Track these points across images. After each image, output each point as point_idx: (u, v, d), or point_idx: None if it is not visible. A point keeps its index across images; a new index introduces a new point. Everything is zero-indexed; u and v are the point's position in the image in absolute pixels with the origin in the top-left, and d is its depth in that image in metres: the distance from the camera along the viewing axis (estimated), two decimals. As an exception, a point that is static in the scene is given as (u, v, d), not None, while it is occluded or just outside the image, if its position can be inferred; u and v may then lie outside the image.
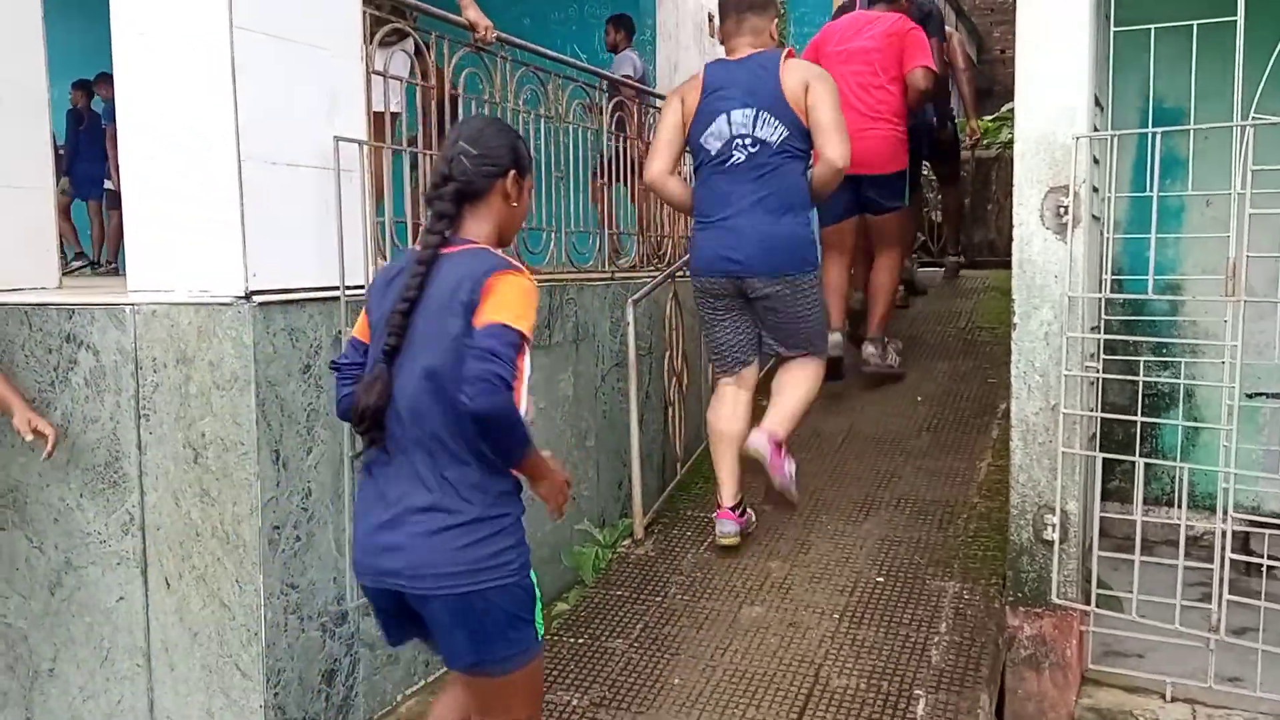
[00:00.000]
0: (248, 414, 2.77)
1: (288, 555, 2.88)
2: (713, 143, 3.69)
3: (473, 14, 3.85)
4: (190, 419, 2.84)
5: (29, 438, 2.82)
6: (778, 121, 3.60)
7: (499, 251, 2.20)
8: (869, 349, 4.90)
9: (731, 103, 3.64)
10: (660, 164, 3.79)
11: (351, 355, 2.24)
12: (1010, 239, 3.23)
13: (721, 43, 3.92)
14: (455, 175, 2.16)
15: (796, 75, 3.62)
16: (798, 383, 3.80)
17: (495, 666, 2.14)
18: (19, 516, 3.09)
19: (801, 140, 3.64)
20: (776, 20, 3.95)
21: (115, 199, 7.43)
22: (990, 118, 8.69)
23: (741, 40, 3.75)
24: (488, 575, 2.08)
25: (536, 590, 2.21)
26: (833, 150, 3.58)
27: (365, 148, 3.15)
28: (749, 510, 3.96)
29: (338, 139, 3.01)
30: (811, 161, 3.71)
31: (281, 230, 2.89)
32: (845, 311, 4.97)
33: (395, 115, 3.71)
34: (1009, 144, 7.66)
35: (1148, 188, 3.16)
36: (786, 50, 3.75)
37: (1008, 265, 3.27)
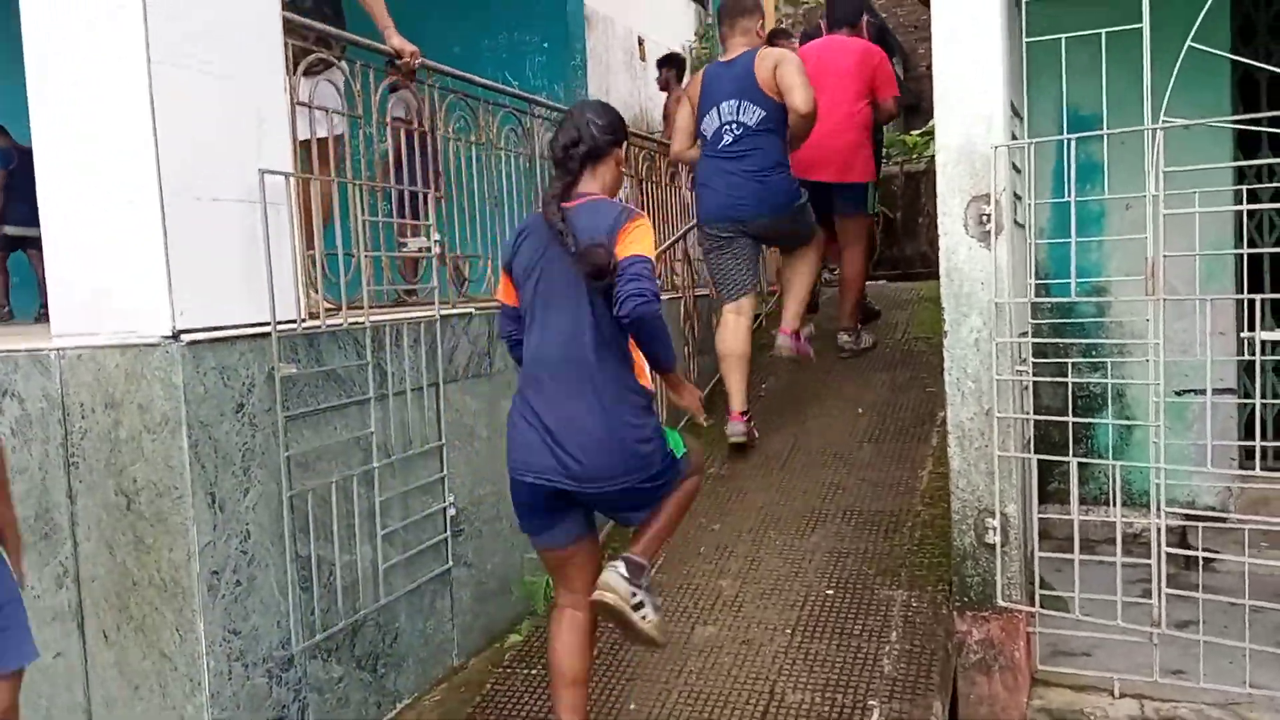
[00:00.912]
0: (180, 456, 2.70)
1: (228, 601, 2.81)
2: (709, 128, 4.69)
3: (397, 41, 3.82)
4: (121, 465, 2.77)
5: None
6: (755, 107, 4.54)
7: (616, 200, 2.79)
8: (843, 337, 5.67)
9: (720, 97, 4.62)
10: (681, 143, 4.89)
11: (511, 322, 2.82)
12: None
13: (721, 44, 4.82)
14: (585, 139, 2.72)
15: (767, 64, 4.54)
16: (799, 274, 4.84)
17: (666, 498, 2.79)
18: (-57, 575, 2.98)
19: (776, 116, 4.56)
20: (762, 20, 4.83)
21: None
22: (918, 132, 8.88)
23: (735, 41, 4.69)
24: (652, 468, 2.69)
25: (667, 433, 2.78)
26: (797, 99, 4.48)
27: (293, 179, 3.11)
28: (752, 421, 4.80)
29: (263, 172, 2.97)
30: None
31: (209, 267, 2.84)
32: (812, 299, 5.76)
33: (339, 138, 3.65)
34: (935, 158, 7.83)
35: (1067, 193, 3.24)
36: (761, 49, 4.64)
37: (938, 276, 3.33)
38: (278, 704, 2.97)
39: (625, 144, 2.85)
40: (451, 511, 3.74)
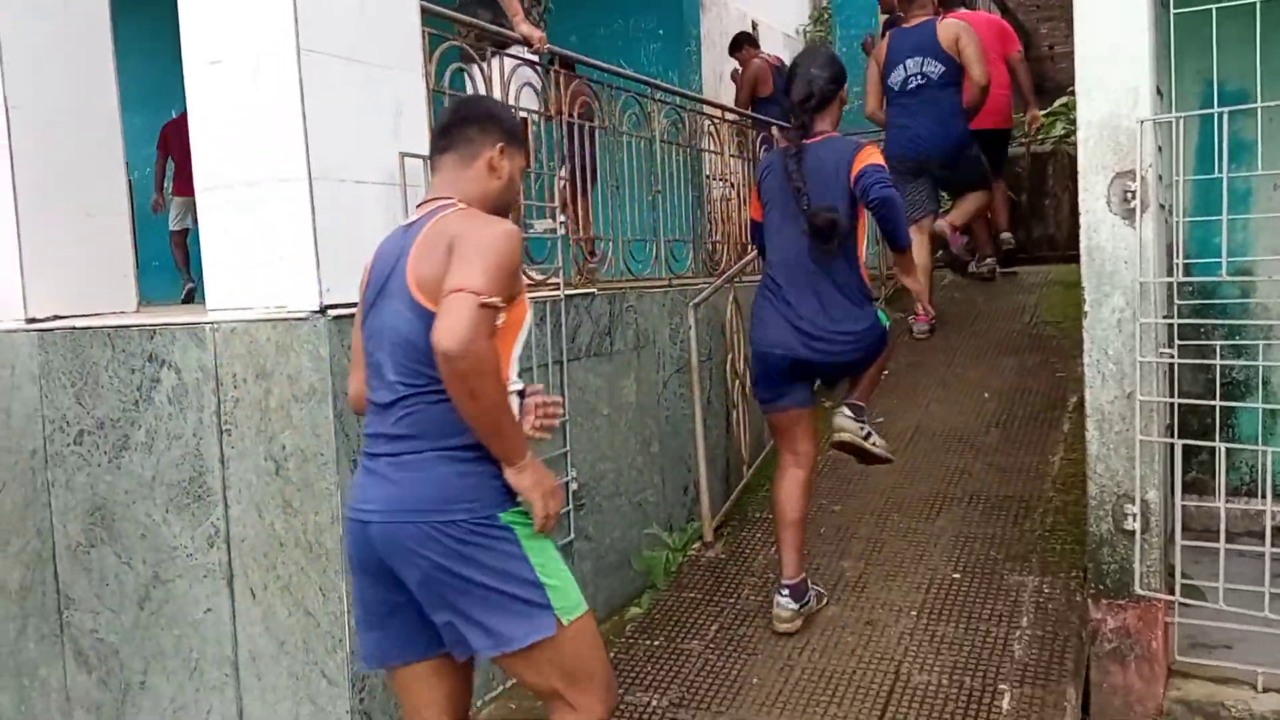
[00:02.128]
0: (326, 425, 2.82)
1: (368, 563, 2.92)
2: (896, 80, 5.63)
3: (525, 28, 3.91)
4: (271, 432, 2.91)
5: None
6: (937, 63, 5.50)
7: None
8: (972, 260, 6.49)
9: (906, 54, 5.59)
10: (872, 103, 5.85)
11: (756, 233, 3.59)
12: (1069, 233, 3.20)
13: (900, 14, 5.88)
14: (815, 93, 3.34)
15: (949, 31, 5.51)
16: (969, 198, 5.75)
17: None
18: (107, 533, 3.19)
19: (953, 73, 5.50)
20: None
21: None
22: (1043, 113, 8.59)
23: (913, 13, 5.71)
24: (870, 338, 3.34)
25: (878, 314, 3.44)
26: (975, 72, 5.45)
27: (429, 162, 3.20)
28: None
29: (403, 155, 3.07)
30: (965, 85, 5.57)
31: (352, 245, 2.94)
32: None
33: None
34: (1062, 138, 7.56)
35: (1215, 170, 3.11)
36: (942, 15, 5.66)
37: (1068, 260, 3.24)
38: (413, 665, 3.07)
39: (845, 84, 3.47)
40: (574, 486, 3.81)
